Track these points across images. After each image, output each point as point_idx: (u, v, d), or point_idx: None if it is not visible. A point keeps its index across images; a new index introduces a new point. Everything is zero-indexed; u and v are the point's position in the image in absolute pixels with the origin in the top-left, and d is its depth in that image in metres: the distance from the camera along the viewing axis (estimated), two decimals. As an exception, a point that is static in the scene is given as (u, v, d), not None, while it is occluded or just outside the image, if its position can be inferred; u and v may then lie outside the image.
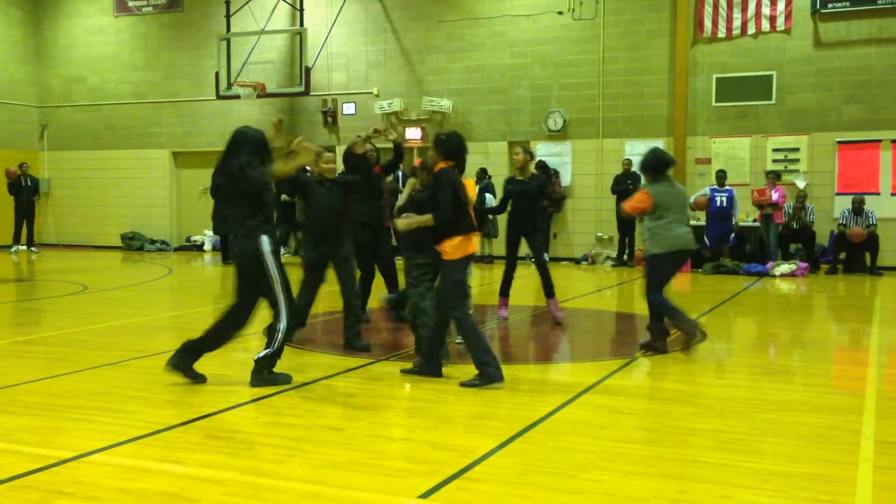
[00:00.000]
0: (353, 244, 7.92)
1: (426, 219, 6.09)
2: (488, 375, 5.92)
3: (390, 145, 8.32)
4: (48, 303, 11.13)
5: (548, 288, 8.85)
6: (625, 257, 15.74)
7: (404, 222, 6.25)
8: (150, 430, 4.77)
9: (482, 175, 16.48)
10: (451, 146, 6.21)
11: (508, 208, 9.00)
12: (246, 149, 5.81)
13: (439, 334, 6.23)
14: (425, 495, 3.77)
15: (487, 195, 16.05)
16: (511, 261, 9.05)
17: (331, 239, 7.33)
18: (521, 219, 8.87)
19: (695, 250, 7.53)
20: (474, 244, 6.18)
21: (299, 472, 4.18)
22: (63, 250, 20.22)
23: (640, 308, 10.79)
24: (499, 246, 16.79)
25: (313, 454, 4.51)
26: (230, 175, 5.84)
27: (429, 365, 6.21)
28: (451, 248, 6.06)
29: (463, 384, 5.95)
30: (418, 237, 6.41)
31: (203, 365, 6.85)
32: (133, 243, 20.12)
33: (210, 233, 18.55)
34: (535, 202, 8.86)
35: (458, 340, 7.19)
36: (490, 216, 15.57)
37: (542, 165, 16.33)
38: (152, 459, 4.28)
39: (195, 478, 4.02)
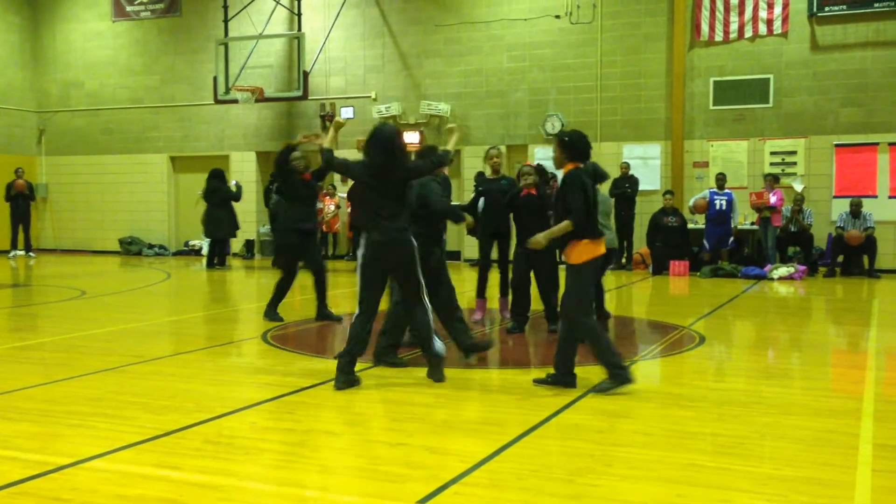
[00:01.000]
0: (282, 247, 8.91)
1: (562, 227, 5.86)
2: (620, 378, 5.81)
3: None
4: (46, 308, 11.12)
5: (505, 287, 9.09)
6: (623, 260, 15.74)
7: (542, 239, 5.99)
8: (148, 436, 4.76)
9: (480, 177, 16.44)
10: (579, 148, 5.97)
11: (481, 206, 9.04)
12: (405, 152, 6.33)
13: (571, 344, 5.98)
14: (423, 500, 3.76)
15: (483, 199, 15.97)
16: (485, 261, 9.07)
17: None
18: (494, 219, 8.86)
19: (613, 249, 7.95)
20: (601, 248, 5.98)
21: (297, 478, 4.18)
22: (61, 255, 20.20)
23: (639, 311, 10.80)
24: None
25: (311, 459, 4.50)
26: (408, 175, 6.26)
27: (565, 376, 5.99)
28: (577, 252, 5.88)
29: (594, 390, 5.82)
30: (560, 244, 6.05)
31: (202, 371, 6.85)
32: (131, 248, 20.11)
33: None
34: (503, 202, 8.74)
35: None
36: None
37: (540, 169, 16.30)
38: (150, 465, 4.27)
39: (193, 483, 4.01)
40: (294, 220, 8.99)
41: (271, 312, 9.13)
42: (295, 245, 8.99)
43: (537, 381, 6.10)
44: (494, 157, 9.10)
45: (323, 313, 9.17)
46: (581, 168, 5.97)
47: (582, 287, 5.91)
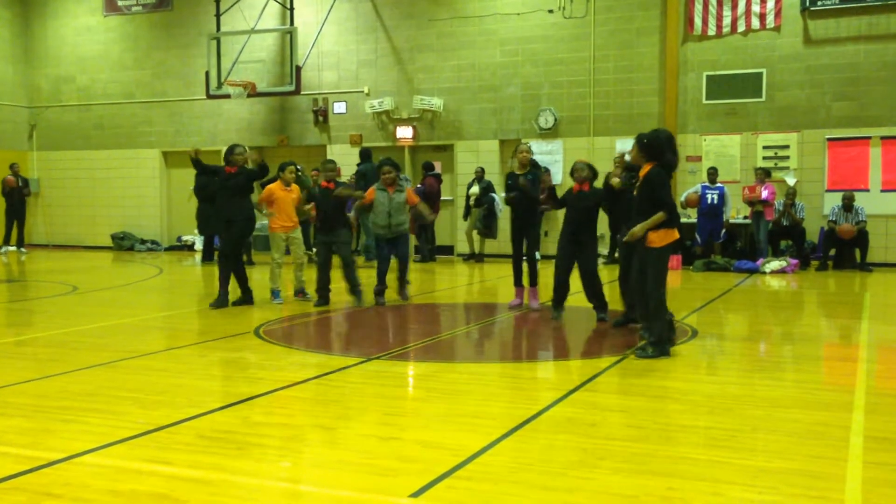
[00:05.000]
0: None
1: (657, 218, 6.67)
2: (664, 351, 6.75)
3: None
4: (38, 303, 11.08)
5: (532, 278, 9.69)
6: (616, 254, 15.73)
7: (638, 230, 6.76)
8: (141, 431, 4.75)
9: (481, 174, 16.48)
10: (657, 148, 6.76)
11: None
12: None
13: (663, 314, 6.82)
14: (416, 494, 3.77)
15: (493, 195, 16.04)
16: (517, 254, 9.68)
17: None
18: (521, 213, 9.47)
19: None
20: (675, 234, 6.81)
21: (290, 473, 4.18)
22: (53, 251, 20.14)
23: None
24: (489, 245, 16.79)
25: (304, 454, 4.50)
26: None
27: (662, 344, 6.79)
28: (658, 238, 6.72)
29: (638, 356, 6.78)
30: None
31: (194, 366, 6.85)
32: (123, 243, 20.06)
33: (201, 232, 18.51)
34: (533, 196, 9.37)
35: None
36: (497, 216, 15.83)
37: (532, 163, 16.30)
38: (142, 460, 4.27)
39: (185, 478, 4.00)
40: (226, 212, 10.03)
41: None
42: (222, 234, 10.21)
43: (640, 355, 6.84)
44: (522, 151, 9.60)
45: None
46: (659, 166, 6.75)
47: (662, 266, 6.82)
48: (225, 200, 9.99)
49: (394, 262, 10.43)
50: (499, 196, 15.81)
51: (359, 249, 16.58)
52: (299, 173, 15.98)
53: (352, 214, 11.38)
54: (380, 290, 10.10)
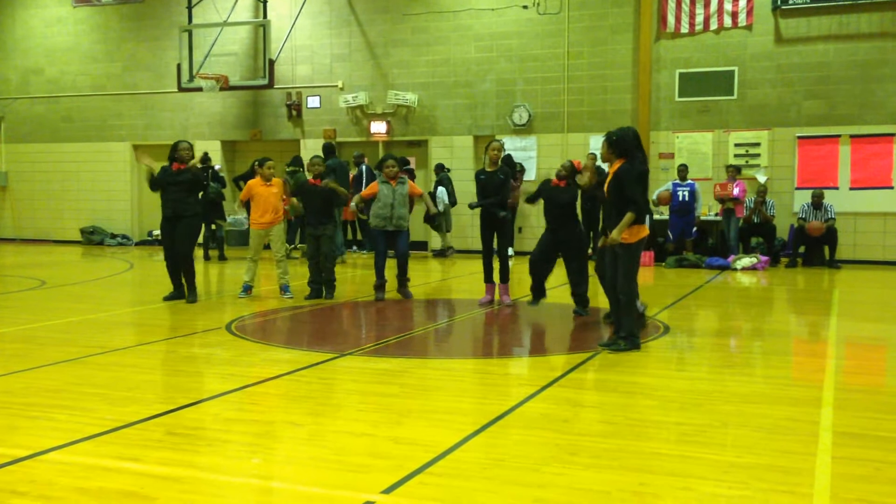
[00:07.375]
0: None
1: (627, 219, 6.75)
2: (635, 345, 6.90)
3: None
4: (4, 298, 10.91)
5: (504, 275, 9.72)
6: (589, 250, 15.78)
7: (615, 235, 6.84)
8: (108, 428, 4.69)
9: (439, 169, 16.55)
10: (625, 145, 6.89)
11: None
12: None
13: (634, 309, 7.01)
14: (388, 491, 3.75)
15: (440, 188, 16.08)
16: (488, 250, 9.68)
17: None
18: (491, 210, 9.48)
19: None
20: (645, 230, 6.93)
21: (260, 469, 4.14)
22: (20, 245, 19.85)
23: (604, 301, 10.84)
24: (456, 240, 16.79)
25: (275, 450, 4.47)
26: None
27: (634, 338, 6.94)
28: (631, 234, 6.83)
29: (611, 348, 6.86)
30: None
31: (164, 362, 6.76)
32: (93, 238, 19.82)
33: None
34: (503, 193, 9.46)
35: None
36: (441, 211, 15.83)
37: (507, 160, 16.33)
38: (110, 457, 4.21)
39: (154, 476, 3.95)
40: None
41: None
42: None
43: (602, 345, 7.03)
44: (494, 149, 9.64)
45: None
46: (631, 162, 6.84)
47: (633, 260, 6.94)
48: (173, 197, 9.79)
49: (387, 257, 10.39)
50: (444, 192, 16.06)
51: (364, 245, 16.58)
52: (299, 172, 15.66)
53: (352, 207, 11.25)
54: (379, 285, 10.11)
